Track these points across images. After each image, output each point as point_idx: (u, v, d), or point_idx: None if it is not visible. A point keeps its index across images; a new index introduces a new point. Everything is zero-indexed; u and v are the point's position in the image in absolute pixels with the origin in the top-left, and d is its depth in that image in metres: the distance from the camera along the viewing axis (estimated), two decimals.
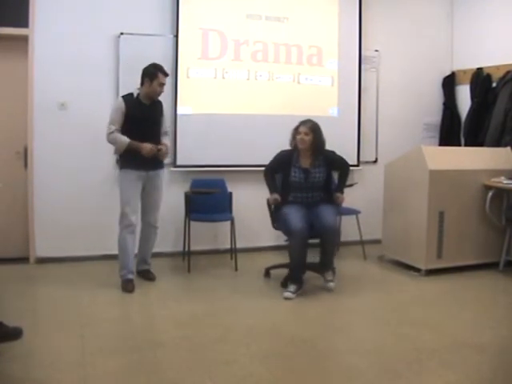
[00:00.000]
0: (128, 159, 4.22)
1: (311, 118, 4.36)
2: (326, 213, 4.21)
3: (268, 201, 4.40)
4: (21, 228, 4.85)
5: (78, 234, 4.91)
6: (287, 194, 4.34)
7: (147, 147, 4.15)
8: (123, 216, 4.22)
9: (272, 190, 4.34)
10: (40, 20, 4.70)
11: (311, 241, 4.22)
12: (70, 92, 4.82)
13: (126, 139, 4.15)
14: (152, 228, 4.45)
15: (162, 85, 4.25)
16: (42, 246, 4.86)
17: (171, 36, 5.07)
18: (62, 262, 4.81)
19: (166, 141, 4.41)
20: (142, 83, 4.23)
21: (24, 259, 4.83)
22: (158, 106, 4.38)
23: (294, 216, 4.12)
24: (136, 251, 4.48)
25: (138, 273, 4.48)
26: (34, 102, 4.74)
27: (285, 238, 4.40)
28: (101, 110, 4.71)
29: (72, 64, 4.81)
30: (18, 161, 4.87)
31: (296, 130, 4.31)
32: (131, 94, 4.25)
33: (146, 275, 4.44)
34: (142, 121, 4.21)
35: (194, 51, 5.14)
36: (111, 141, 4.20)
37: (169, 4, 5.07)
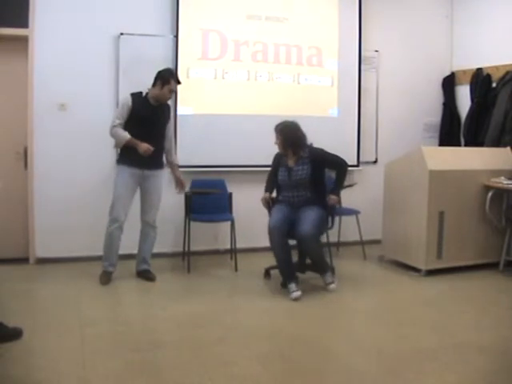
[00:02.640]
0: (124, 155, 4.26)
1: (286, 119, 4.33)
2: (306, 219, 4.07)
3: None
4: (21, 228, 4.84)
5: (78, 234, 4.91)
6: (278, 194, 4.43)
7: (144, 146, 4.15)
8: (111, 210, 4.27)
9: (265, 190, 4.44)
10: (40, 20, 4.69)
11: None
12: (70, 92, 4.81)
13: (126, 135, 4.17)
14: (150, 228, 4.45)
15: (171, 91, 4.28)
16: (42, 247, 4.86)
17: (171, 36, 5.07)
18: (61, 263, 4.81)
19: (174, 159, 4.55)
20: (154, 85, 4.25)
21: (24, 259, 4.83)
22: (165, 109, 4.40)
23: (274, 215, 4.20)
24: (137, 251, 4.51)
25: (137, 273, 4.49)
26: (33, 102, 4.73)
27: None
28: (101, 110, 4.72)
29: (72, 64, 4.80)
30: (17, 161, 4.86)
31: None
32: (140, 93, 4.27)
33: (146, 275, 4.44)
34: (147, 120, 4.22)
35: (194, 51, 5.14)
36: (113, 134, 4.23)
37: (169, 4, 5.07)
